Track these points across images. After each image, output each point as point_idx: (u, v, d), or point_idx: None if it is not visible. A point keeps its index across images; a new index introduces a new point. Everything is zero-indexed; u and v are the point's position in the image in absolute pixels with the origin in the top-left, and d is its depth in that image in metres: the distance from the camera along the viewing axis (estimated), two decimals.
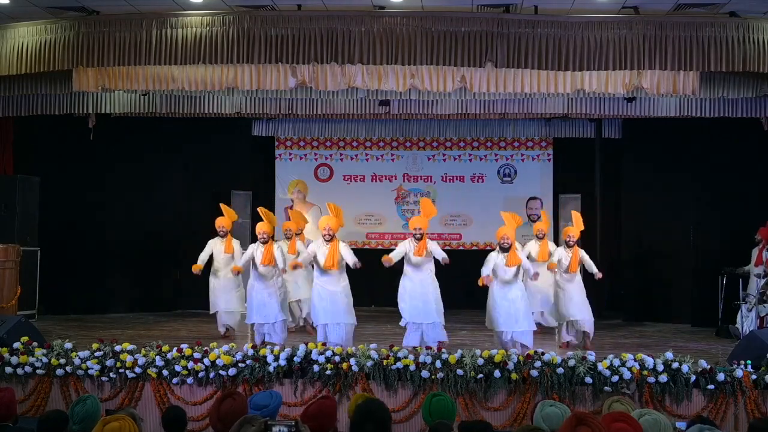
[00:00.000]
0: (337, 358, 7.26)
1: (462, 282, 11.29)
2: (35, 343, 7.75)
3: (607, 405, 4.37)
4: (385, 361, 7.21)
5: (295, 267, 9.30)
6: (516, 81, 8.77)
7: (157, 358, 7.38)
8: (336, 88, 8.86)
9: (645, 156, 12.59)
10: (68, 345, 7.67)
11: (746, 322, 9.65)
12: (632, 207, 12.78)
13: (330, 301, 8.74)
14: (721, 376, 7.01)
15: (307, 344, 7.49)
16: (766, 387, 7.03)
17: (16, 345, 7.64)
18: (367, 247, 13.72)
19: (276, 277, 9.37)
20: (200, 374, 7.29)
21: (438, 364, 7.16)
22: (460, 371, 7.08)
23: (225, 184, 13.29)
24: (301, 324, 10.68)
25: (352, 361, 7.22)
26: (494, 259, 8.98)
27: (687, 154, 12.05)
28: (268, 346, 7.58)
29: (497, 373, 7.05)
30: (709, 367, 7.12)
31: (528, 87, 8.82)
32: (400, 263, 8.96)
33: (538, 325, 10.64)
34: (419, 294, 8.78)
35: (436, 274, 9.02)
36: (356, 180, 14.18)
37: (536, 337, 9.90)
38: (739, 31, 8.15)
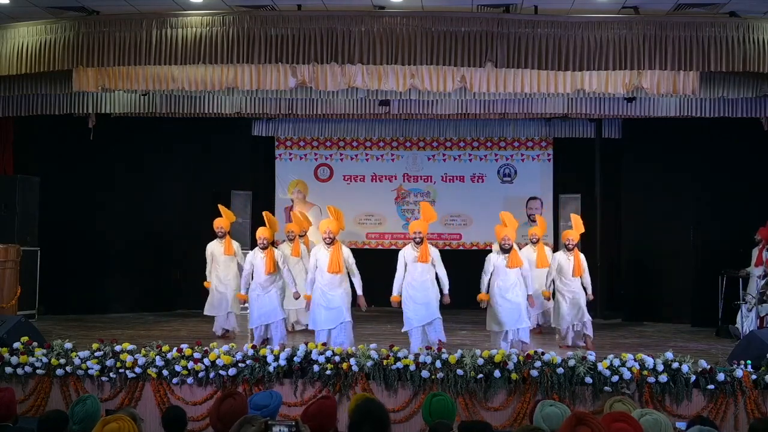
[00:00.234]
0: (337, 358, 7.26)
1: (462, 282, 11.28)
2: (35, 343, 7.75)
3: (608, 405, 4.37)
4: (385, 361, 7.20)
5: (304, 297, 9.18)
6: (516, 81, 8.77)
7: (157, 358, 7.38)
8: (336, 88, 8.85)
9: (645, 156, 12.59)
10: (68, 345, 7.66)
11: (746, 322, 9.66)
12: (632, 207, 12.78)
13: (328, 308, 8.68)
14: (721, 376, 7.01)
15: (307, 344, 7.49)
16: (766, 387, 7.03)
17: (16, 345, 7.64)
18: (367, 247, 13.73)
19: (277, 281, 9.34)
20: (200, 374, 7.29)
21: (438, 364, 7.15)
22: (460, 371, 7.08)
23: (225, 184, 13.29)
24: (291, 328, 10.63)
25: (352, 361, 7.22)
26: (493, 261, 8.98)
27: (687, 154, 12.05)
28: (268, 346, 7.57)
29: (497, 373, 7.05)
30: (709, 367, 7.12)
31: (528, 87, 8.82)
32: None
33: (538, 325, 10.69)
34: (422, 297, 8.71)
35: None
36: (356, 180, 14.19)
37: (536, 337, 9.94)
38: (739, 31, 8.15)
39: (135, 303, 12.83)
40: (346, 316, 8.71)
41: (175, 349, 7.48)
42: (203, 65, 8.69)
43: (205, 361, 7.31)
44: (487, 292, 8.98)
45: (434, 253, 8.81)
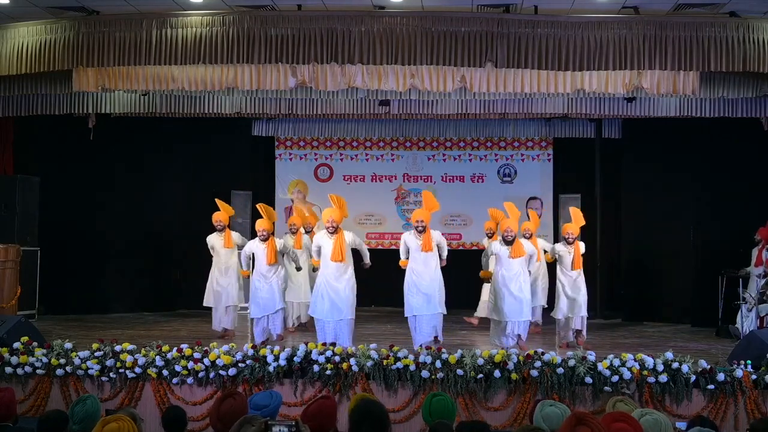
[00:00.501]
0: (337, 358, 7.26)
1: (462, 282, 11.32)
2: (35, 343, 7.75)
3: (610, 404, 4.38)
4: (385, 361, 7.20)
5: (315, 269, 9.25)
6: (516, 81, 8.77)
7: (157, 358, 7.38)
8: (336, 88, 8.85)
9: (645, 156, 12.59)
10: (68, 345, 7.66)
11: (746, 322, 9.65)
12: (632, 207, 12.78)
13: (332, 300, 8.66)
14: (721, 376, 7.01)
15: (307, 344, 7.49)
16: (766, 387, 7.03)
17: (16, 345, 7.64)
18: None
19: (278, 271, 9.34)
20: (200, 374, 7.28)
21: (438, 364, 7.15)
22: (460, 371, 7.08)
23: (225, 184, 13.28)
24: (291, 325, 10.61)
25: (352, 361, 7.21)
26: (496, 249, 9.01)
27: (687, 154, 12.05)
28: (268, 346, 7.57)
29: (497, 373, 7.05)
30: (709, 367, 7.12)
31: (528, 87, 8.82)
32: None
33: (536, 325, 10.68)
34: (425, 286, 8.72)
35: None
36: (356, 180, 14.19)
37: (536, 337, 9.93)
38: (739, 31, 8.15)
39: (135, 303, 12.83)
40: (348, 314, 8.68)
41: (175, 349, 7.47)
42: (203, 65, 8.69)
43: (205, 361, 7.31)
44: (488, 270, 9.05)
45: (437, 237, 8.84)
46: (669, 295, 12.19)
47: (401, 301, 9.02)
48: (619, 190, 13.02)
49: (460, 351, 7.31)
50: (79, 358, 7.45)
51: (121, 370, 7.36)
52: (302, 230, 10.72)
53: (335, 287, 8.66)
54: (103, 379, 7.40)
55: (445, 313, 8.89)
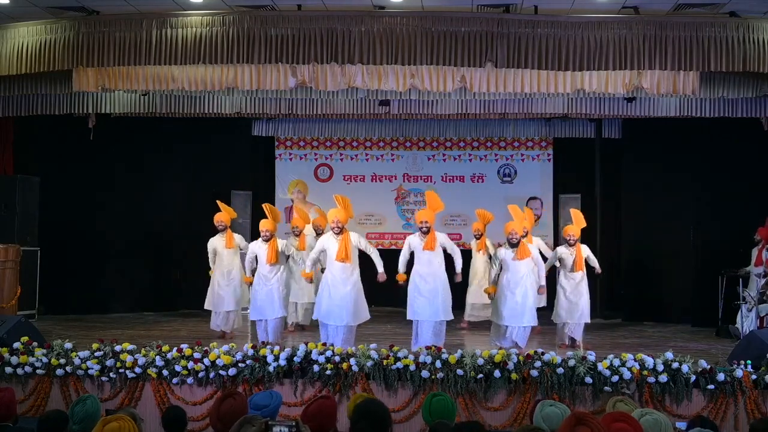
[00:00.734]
0: (337, 358, 7.26)
1: (462, 282, 11.27)
2: (35, 343, 7.75)
3: (610, 404, 4.38)
4: (385, 361, 7.20)
5: (309, 279, 9.16)
6: (516, 81, 8.77)
7: (157, 358, 7.38)
8: (336, 88, 8.85)
9: (645, 156, 12.59)
10: (68, 345, 7.66)
11: (746, 322, 9.65)
12: (632, 207, 12.78)
13: (333, 303, 8.61)
14: (721, 376, 7.00)
15: (307, 344, 7.48)
16: (766, 387, 7.03)
17: (16, 345, 7.63)
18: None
19: (279, 273, 9.31)
20: (200, 374, 7.28)
21: (438, 364, 7.15)
22: (460, 371, 7.08)
23: (225, 184, 13.29)
24: (290, 324, 10.61)
25: (352, 361, 7.21)
26: (501, 255, 8.98)
27: (687, 154, 12.05)
28: (268, 346, 7.57)
29: (497, 373, 7.05)
30: (709, 367, 7.12)
31: (528, 87, 8.82)
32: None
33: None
34: (428, 290, 8.63)
35: None
36: (356, 180, 14.19)
37: (536, 336, 9.93)
38: (739, 31, 8.15)
39: (135, 303, 12.83)
40: (350, 320, 8.61)
41: (175, 349, 7.47)
42: (203, 65, 8.69)
43: (205, 361, 7.31)
44: (495, 284, 8.99)
45: (442, 238, 8.75)
46: (669, 295, 12.19)
47: (401, 301, 9.02)
48: (619, 190, 13.02)
49: (460, 351, 7.31)
50: (79, 358, 7.45)
51: (121, 370, 7.36)
52: (314, 232, 10.67)
53: (339, 290, 8.60)
54: (103, 379, 7.40)
55: (450, 318, 8.81)
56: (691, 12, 8.32)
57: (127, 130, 12.37)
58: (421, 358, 7.23)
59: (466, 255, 12.98)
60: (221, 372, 7.27)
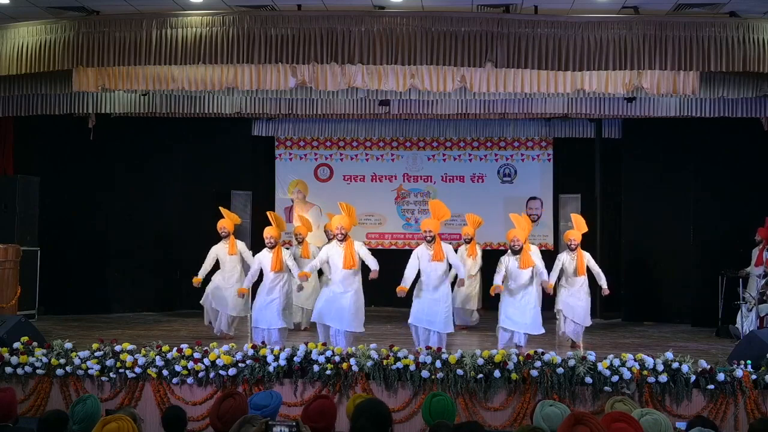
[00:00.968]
0: (337, 358, 7.26)
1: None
2: (35, 343, 7.75)
3: (609, 404, 4.38)
4: (385, 361, 7.20)
5: (305, 277, 9.12)
6: (516, 81, 8.76)
7: (157, 358, 7.38)
8: (336, 88, 8.84)
9: (645, 156, 12.59)
10: (68, 345, 7.67)
11: (746, 322, 9.65)
12: (632, 207, 12.78)
13: (331, 307, 8.62)
14: (721, 376, 7.01)
15: (307, 344, 7.49)
16: (766, 387, 7.04)
17: (16, 345, 7.64)
18: (367, 247, 13.66)
19: (283, 282, 9.22)
20: (200, 374, 7.29)
21: (438, 364, 7.16)
22: (460, 371, 7.08)
23: (225, 184, 13.30)
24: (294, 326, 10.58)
25: (352, 361, 7.22)
26: (505, 263, 8.96)
27: (687, 154, 12.06)
28: (268, 346, 7.57)
29: (497, 373, 7.05)
30: (709, 367, 7.12)
31: (528, 87, 8.81)
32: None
33: None
34: (429, 302, 8.60)
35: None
36: (356, 180, 14.19)
37: (536, 337, 9.91)
38: (739, 31, 8.14)
39: (135, 303, 12.83)
40: (348, 326, 8.58)
41: (175, 349, 7.48)
42: (203, 65, 8.68)
43: (205, 361, 7.31)
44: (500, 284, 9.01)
45: (446, 248, 8.76)
46: (669, 295, 12.20)
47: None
48: (619, 190, 13.01)
49: (460, 351, 7.31)
50: (79, 358, 7.45)
51: (121, 370, 7.36)
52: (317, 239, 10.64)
53: (339, 296, 8.62)
54: (103, 379, 7.41)
55: (450, 331, 8.77)
56: (691, 12, 8.32)
57: (127, 130, 12.37)
58: (421, 358, 7.23)
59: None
60: (221, 372, 7.27)
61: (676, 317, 11.93)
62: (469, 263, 11.03)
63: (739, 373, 7.03)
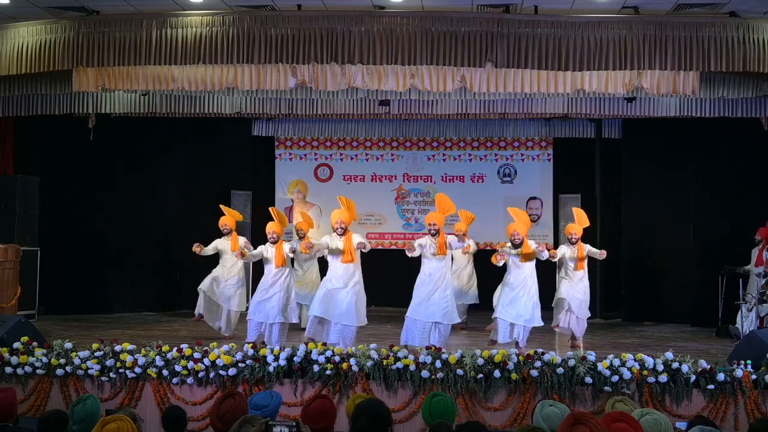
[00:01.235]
0: (337, 358, 7.26)
1: None
2: (35, 343, 7.75)
3: (610, 404, 4.38)
4: (385, 361, 7.20)
5: (309, 244, 9.11)
6: (516, 81, 8.76)
7: (157, 358, 7.38)
8: (336, 88, 8.85)
9: (645, 156, 12.59)
10: (68, 345, 7.66)
11: (746, 322, 9.65)
12: (632, 207, 12.78)
13: (334, 301, 8.62)
14: (721, 376, 7.01)
15: (307, 344, 7.49)
16: (766, 387, 7.04)
17: (16, 345, 7.64)
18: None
19: (284, 276, 9.24)
20: (200, 374, 7.29)
21: (438, 364, 7.16)
22: (460, 371, 7.08)
23: (225, 184, 13.30)
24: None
25: (352, 361, 7.22)
26: (507, 252, 9.00)
27: (687, 154, 12.06)
28: (268, 346, 7.57)
29: (497, 373, 7.05)
30: (709, 367, 7.12)
31: (528, 87, 8.81)
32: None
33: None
34: (426, 293, 8.62)
35: None
36: (356, 180, 14.19)
37: (536, 335, 9.92)
38: (739, 31, 8.14)
39: (135, 303, 12.84)
40: (347, 320, 8.60)
41: (175, 349, 7.47)
42: (203, 65, 8.68)
43: (205, 361, 7.31)
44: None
45: (449, 240, 8.76)
46: (669, 295, 12.20)
47: (401, 301, 9.02)
48: (619, 190, 13.01)
49: (460, 351, 7.31)
50: (79, 358, 7.45)
51: (121, 370, 7.36)
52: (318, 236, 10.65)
53: (338, 290, 8.63)
54: (103, 379, 7.40)
55: (456, 322, 8.77)
56: (691, 12, 8.32)
57: (127, 130, 12.37)
58: (421, 358, 7.23)
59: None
60: (221, 372, 7.27)
61: (676, 317, 11.93)
62: (463, 260, 11.01)
63: (739, 373, 7.03)
